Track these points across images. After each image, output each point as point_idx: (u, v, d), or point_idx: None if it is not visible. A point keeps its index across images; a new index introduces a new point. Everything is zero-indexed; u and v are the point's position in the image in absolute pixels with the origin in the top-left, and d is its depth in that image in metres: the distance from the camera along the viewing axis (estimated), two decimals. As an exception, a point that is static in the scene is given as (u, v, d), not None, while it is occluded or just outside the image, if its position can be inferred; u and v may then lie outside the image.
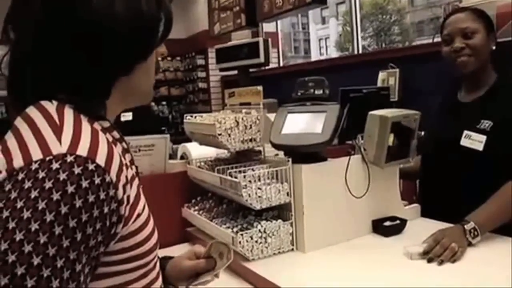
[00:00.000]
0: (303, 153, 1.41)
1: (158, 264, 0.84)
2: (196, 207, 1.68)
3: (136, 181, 0.76)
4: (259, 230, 1.36)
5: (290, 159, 1.40)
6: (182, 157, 2.16)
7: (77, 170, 0.61)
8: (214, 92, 5.98)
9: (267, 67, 5.74)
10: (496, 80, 1.63)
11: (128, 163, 0.77)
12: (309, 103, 1.50)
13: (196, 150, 1.97)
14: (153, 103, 6.02)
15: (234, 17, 5.13)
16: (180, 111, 6.54)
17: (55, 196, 0.59)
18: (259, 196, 1.35)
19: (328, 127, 1.39)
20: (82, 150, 0.63)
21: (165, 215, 1.71)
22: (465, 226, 1.37)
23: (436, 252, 1.28)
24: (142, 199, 0.76)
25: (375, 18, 13.40)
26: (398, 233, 1.52)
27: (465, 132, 1.56)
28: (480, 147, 1.53)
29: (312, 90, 1.51)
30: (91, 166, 0.62)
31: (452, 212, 1.47)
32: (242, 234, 1.33)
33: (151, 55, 0.81)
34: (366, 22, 13.94)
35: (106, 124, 0.77)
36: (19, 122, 0.69)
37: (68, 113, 0.70)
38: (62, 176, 0.60)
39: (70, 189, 0.59)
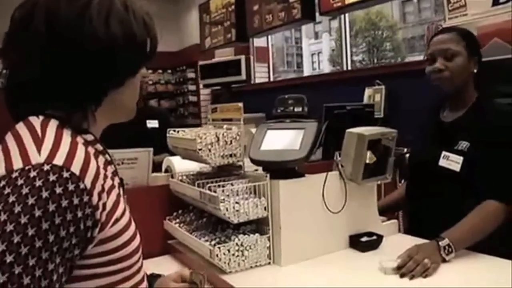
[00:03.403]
0: (281, 169, 1.44)
1: (143, 268, 0.89)
2: (178, 220, 1.70)
3: (117, 190, 0.82)
4: (236, 244, 1.38)
5: (268, 175, 1.43)
6: (166, 170, 2.18)
7: (52, 177, 0.66)
8: (203, 105, 6.00)
9: (256, 82, 5.81)
10: (476, 101, 1.65)
11: (110, 174, 0.84)
12: (288, 120, 1.54)
13: (180, 164, 1.99)
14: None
15: (225, 31, 5.19)
16: (180, 123, 6.56)
17: (30, 200, 0.64)
18: (237, 210, 1.37)
19: (306, 144, 1.42)
20: (59, 159, 0.69)
21: (148, 227, 1.73)
22: (440, 243, 1.40)
23: (409, 267, 1.31)
24: (121, 206, 0.81)
25: (368, 34, 13.56)
26: (375, 248, 1.55)
27: (444, 153, 1.59)
28: (457, 168, 1.55)
29: (291, 108, 1.55)
30: (65, 174, 0.67)
31: (431, 231, 1.50)
32: (219, 247, 1.35)
33: (138, 74, 0.88)
34: (360, 38, 14.10)
35: (90, 137, 0.83)
36: (8, 136, 0.75)
37: (52, 127, 0.76)
38: (38, 183, 0.65)
39: (45, 194, 0.65)
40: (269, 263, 1.44)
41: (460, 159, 1.54)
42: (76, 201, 0.68)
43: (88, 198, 0.70)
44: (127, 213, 0.84)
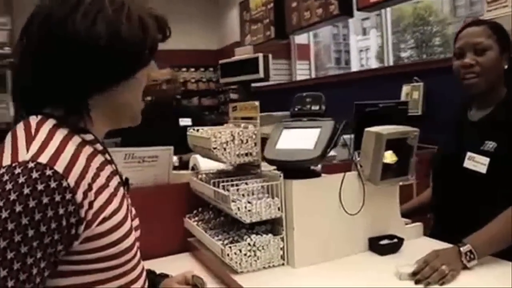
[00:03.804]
0: (295, 169, 1.41)
1: (140, 266, 0.90)
2: (196, 218, 1.71)
3: (111, 190, 0.83)
4: (249, 244, 1.37)
5: (282, 174, 1.41)
6: (193, 168, 2.20)
7: (35, 174, 0.69)
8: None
9: (295, 80, 5.77)
10: (504, 98, 1.56)
11: (108, 173, 0.86)
12: (305, 118, 1.50)
13: (205, 162, 2.00)
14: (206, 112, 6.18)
15: (264, 29, 5.19)
16: (211, 120, 6.63)
17: (12, 196, 0.67)
18: (249, 210, 1.36)
19: (320, 143, 1.39)
20: (44, 158, 0.71)
21: (168, 225, 1.76)
22: (461, 248, 1.33)
23: (425, 274, 1.25)
24: (114, 205, 0.82)
25: (416, 30, 13.13)
26: (394, 252, 1.50)
27: (468, 153, 1.51)
28: (483, 169, 1.47)
29: (309, 106, 1.52)
30: (48, 172, 0.70)
31: (456, 235, 1.43)
32: (230, 247, 1.34)
33: (133, 78, 0.87)
34: (408, 34, 13.67)
35: (89, 137, 0.85)
36: (8, 135, 0.79)
37: (47, 126, 0.79)
38: (21, 180, 0.68)
39: (26, 191, 0.67)
40: (283, 264, 1.41)
41: (486, 160, 1.45)
42: (57, 198, 0.69)
43: (71, 196, 0.71)
44: (123, 212, 0.85)
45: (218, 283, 1.43)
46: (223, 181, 1.50)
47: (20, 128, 0.79)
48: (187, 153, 2.14)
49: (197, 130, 1.69)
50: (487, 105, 1.57)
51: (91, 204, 0.75)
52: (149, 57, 0.89)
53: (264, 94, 5.42)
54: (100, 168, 0.82)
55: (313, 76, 6.20)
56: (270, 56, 1.44)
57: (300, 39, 6.05)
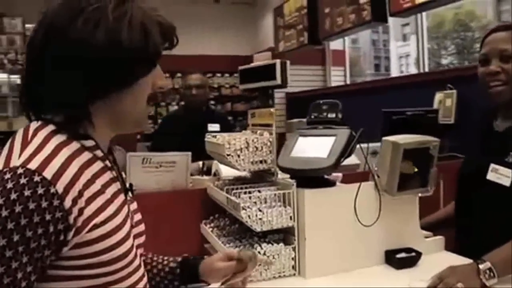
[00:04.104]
0: (308, 177, 1.38)
1: (138, 274, 0.90)
2: (212, 224, 1.70)
3: (107, 196, 0.83)
4: (259, 252, 1.35)
5: (295, 183, 1.38)
6: (215, 174, 2.20)
7: (22, 180, 0.69)
8: (278, 108, 6.02)
9: (331, 86, 5.71)
10: None
11: (108, 179, 0.86)
12: (321, 126, 1.48)
13: (227, 168, 2.00)
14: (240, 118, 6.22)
15: (298, 35, 5.17)
16: (244, 126, 6.64)
17: None
18: (260, 218, 1.34)
19: (334, 152, 1.36)
20: (34, 164, 0.72)
21: (185, 230, 1.77)
22: (480, 266, 1.26)
23: (438, 291, 1.20)
24: (109, 212, 0.82)
25: (457, 36, 12.77)
26: (411, 266, 1.44)
27: (492, 165, 1.44)
28: (507, 182, 1.40)
29: (325, 114, 1.49)
30: (36, 178, 0.70)
31: (478, 251, 1.36)
32: (240, 255, 1.33)
33: (136, 85, 0.87)
34: (448, 40, 13.31)
35: (90, 143, 0.85)
36: (9, 140, 0.80)
37: (44, 131, 0.80)
38: (9, 185, 0.69)
39: (13, 196, 0.68)
40: (294, 274, 1.39)
41: (510, 172, 1.38)
42: (44, 204, 0.70)
43: (58, 202, 0.71)
44: (119, 219, 0.85)
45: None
46: (236, 188, 1.49)
47: (19, 133, 0.81)
48: (211, 159, 2.15)
49: (215, 136, 1.69)
50: None
51: (81, 211, 0.75)
52: (151, 65, 0.89)
53: (297, 100, 5.40)
54: (96, 175, 0.83)
55: (348, 82, 6.12)
56: (288, 62, 1.42)
57: (336, 45, 6.00)
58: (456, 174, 1.73)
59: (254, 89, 1.71)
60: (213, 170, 2.25)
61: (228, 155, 1.45)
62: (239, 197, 1.40)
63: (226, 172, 1.96)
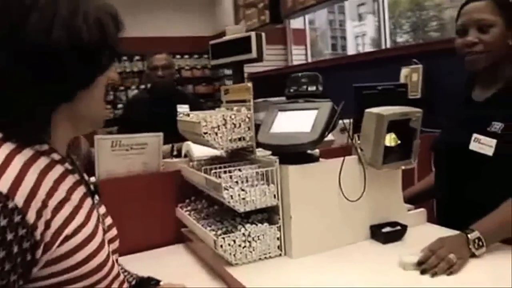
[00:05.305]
0: (291, 153, 1.32)
1: (117, 281, 0.82)
2: (189, 207, 1.62)
3: (75, 203, 0.74)
4: (243, 234, 1.29)
5: (277, 160, 1.32)
6: (185, 155, 2.11)
7: None
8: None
9: (292, 64, 5.66)
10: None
11: (71, 184, 0.76)
12: (301, 100, 1.41)
13: (199, 149, 1.91)
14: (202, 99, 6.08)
15: (259, 13, 5.07)
16: (211, 108, 6.52)
17: None
18: (243, 198, 1.27)
19: (318, 126, 1.30)
20: None
21: (160, 215, 1.68)
22: (469, 235, 1.25)
23: (431, 263, 1.17)
24: (79, 219, 0.73)
25: (412, 15, 12.99)
26: (398, 240, 1.42)
27: (474, 135, 1.42)
28: (490, 151, 1.38)
29: (305, 87, 1.42)
30: None
31: (461, 222, 1.35)
32: (224, 238, 1.26)
33: (96, 82, 0.79)
34: (402, 19, 13.53)
35: (44, 147, 0.75)
36: None
37: None
38: None
39: None
40: (280, 255, 1.34)
41: (493, 142, 1.36)
42: (3, 222, 0.60)
43: (20, 218, 0.62)
44: (91, 226, 0.76)
45: (212, 276, 1.35)
46: (215, 168, 1.41)
47: None
48: (183, 141, 2.05)
49: (188, 115, 1.60)
50: (493, 85, 1.48)
51: (47, 224, 0.66)
52: (112, 59, 0.81)
53: (260, 79, 5.31)
54: (58, 181, 0.73)
55: (310, 61, 6.09)
56: (263, 35, 1.34)
57: (296, 24, 5.94)
58: (427, 147, 1.71)
59: (226, 64, 1.61)
60: (183, 152, 2.15)
61: (205, 133, 1.36)
62: (219, 177, 1.33)
63: (199, 152, 1.88)
